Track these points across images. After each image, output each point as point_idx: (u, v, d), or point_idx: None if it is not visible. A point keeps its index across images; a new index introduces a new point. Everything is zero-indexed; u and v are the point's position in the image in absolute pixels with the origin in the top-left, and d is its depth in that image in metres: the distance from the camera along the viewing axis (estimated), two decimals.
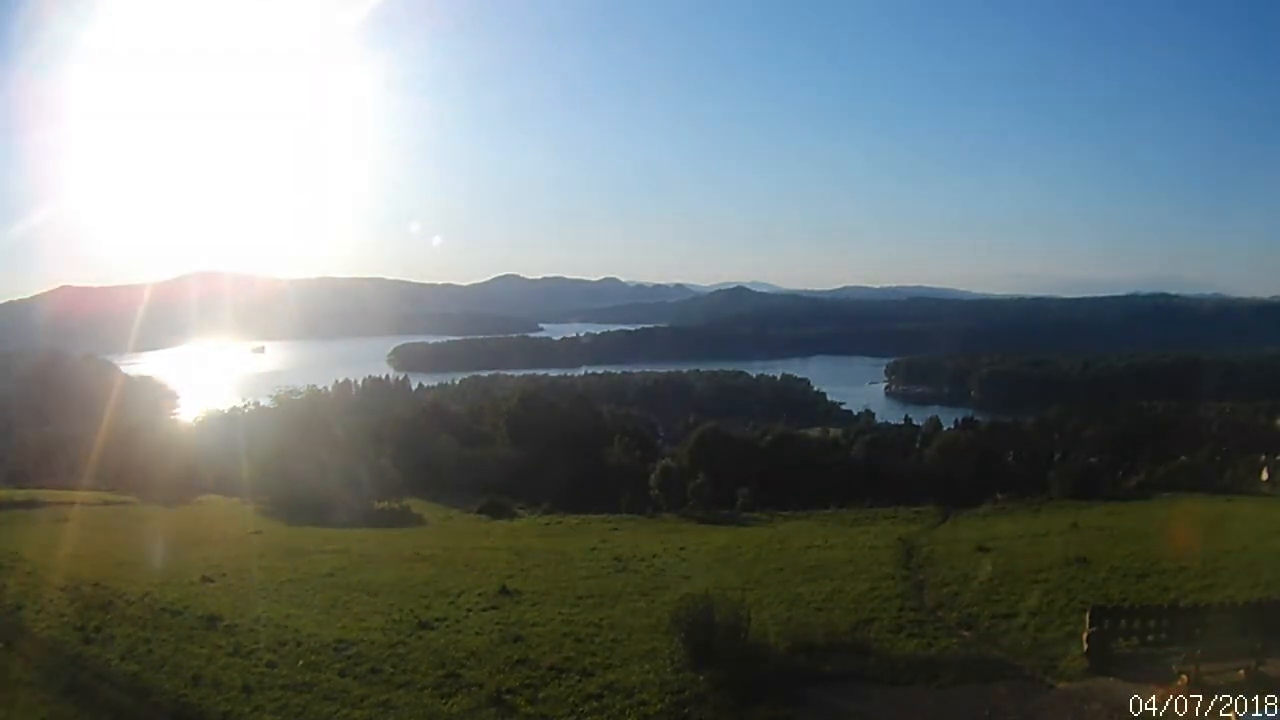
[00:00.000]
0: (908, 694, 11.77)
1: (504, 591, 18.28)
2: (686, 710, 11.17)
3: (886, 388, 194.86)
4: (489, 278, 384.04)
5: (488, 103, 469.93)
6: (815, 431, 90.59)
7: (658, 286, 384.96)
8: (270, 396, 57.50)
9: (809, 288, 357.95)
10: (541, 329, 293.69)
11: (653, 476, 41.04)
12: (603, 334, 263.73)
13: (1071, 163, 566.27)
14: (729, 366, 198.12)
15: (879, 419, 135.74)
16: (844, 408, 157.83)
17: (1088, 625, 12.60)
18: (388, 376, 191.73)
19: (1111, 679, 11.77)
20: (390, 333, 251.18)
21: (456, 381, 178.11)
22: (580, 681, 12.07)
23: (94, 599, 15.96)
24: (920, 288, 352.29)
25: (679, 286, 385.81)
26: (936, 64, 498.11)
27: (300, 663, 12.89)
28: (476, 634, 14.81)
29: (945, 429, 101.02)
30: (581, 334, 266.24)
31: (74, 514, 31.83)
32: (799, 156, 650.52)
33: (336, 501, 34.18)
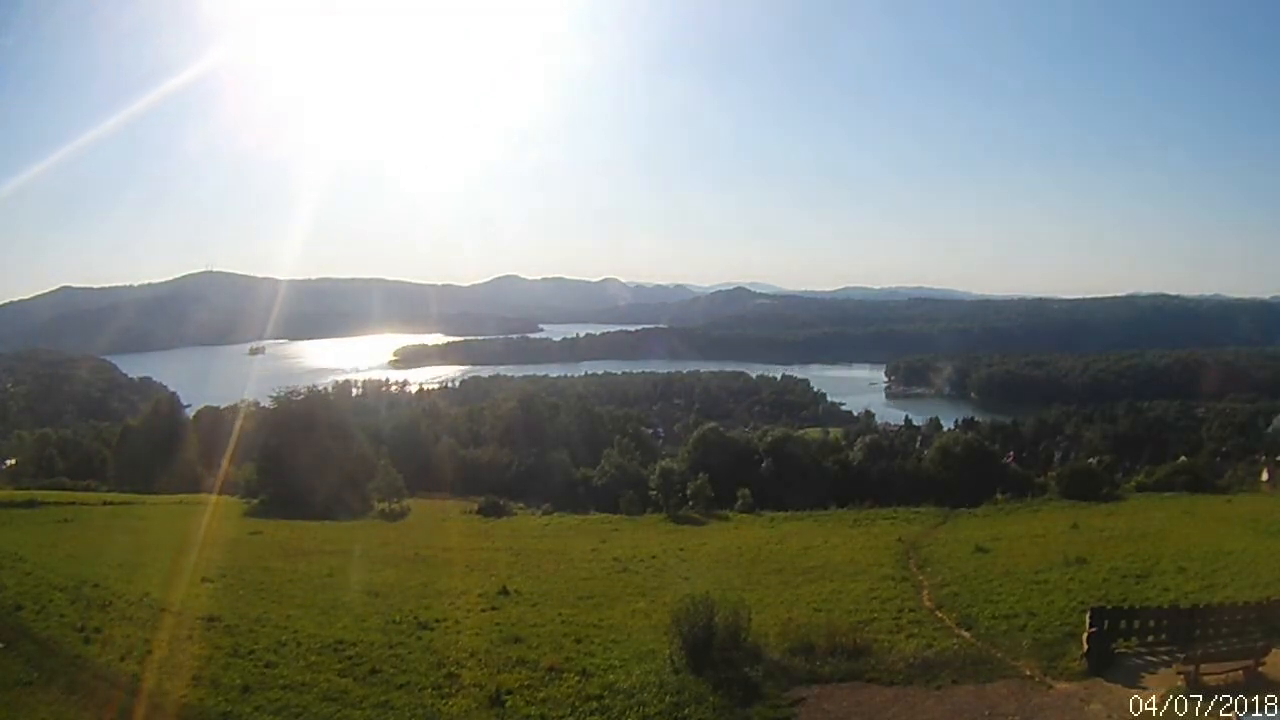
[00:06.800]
0: (907, 694, 11.72)
1: (504, 592, 18.29)
2: (686, 711, 11.13)
3: (887, 388, 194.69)
4: (489, 278, 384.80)
5: (487, 104, 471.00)
6: (815, 432, 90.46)
7: (658, 287, 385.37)
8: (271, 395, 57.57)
9: (809, 288, 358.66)
10: (541, 329, 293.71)
11: (652, 478, 40.96)
12: (603, 334, 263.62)
13: (1072, 165, 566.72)
14: (729, 367, 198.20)
15: (879, 420, 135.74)
16: (844, 409, 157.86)
17: (1088, 625, 12.56)
18: (388, 377, 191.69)
19: (1111, 679, 11.76)
20: (390, 332, 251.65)
21: (457, 382, 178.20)
22: (580, 682, 12.04)
23: (94, 599, 15.94)
24: (920, 289, 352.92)
25: (679, 287, 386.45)
26: (938, 66, 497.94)
27: (300, 663, 12.85)
28: (476, 634, 14.78)
29: (945, 430, 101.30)
30: (581, 334, 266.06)
31: (74, 514, 31.90)
32: (800, 157, 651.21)
33: (336, 501, 34.22)
